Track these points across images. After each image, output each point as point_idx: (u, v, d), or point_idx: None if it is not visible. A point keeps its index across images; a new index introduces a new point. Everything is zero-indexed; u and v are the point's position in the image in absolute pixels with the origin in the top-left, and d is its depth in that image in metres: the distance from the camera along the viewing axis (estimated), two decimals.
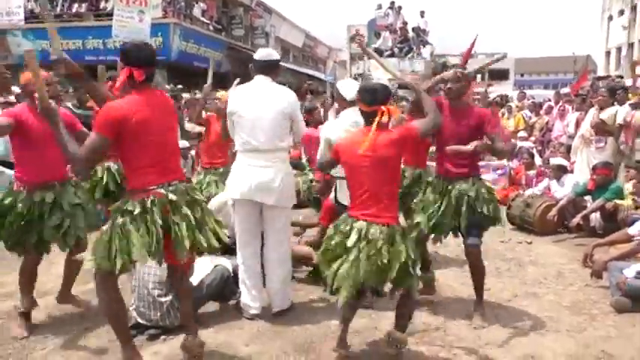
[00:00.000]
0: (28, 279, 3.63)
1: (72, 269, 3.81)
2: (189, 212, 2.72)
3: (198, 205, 2.84)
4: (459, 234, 3.82)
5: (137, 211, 2.63)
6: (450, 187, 3.65)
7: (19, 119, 3.40)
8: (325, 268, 3.07)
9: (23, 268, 3.61)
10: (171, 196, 2.70)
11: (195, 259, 3.24)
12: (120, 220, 2.66)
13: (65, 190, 3.53)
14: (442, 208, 3.65)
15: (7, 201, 3.43)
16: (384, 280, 2.95)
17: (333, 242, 3.01)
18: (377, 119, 2.97)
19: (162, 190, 2.70)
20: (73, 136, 2.97)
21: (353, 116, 3.74)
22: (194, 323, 3.11)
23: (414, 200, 3.91)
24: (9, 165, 6.53)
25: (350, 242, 2.91)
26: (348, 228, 2.98)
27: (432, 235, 3.91)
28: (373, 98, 3.01)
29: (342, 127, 3.79)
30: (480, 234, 3.73)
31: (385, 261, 2.84)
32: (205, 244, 2.78)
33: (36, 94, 2.89)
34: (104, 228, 2.73)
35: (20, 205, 3.38)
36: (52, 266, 4.40)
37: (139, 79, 2.72)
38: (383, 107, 2.99)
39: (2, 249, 3.64)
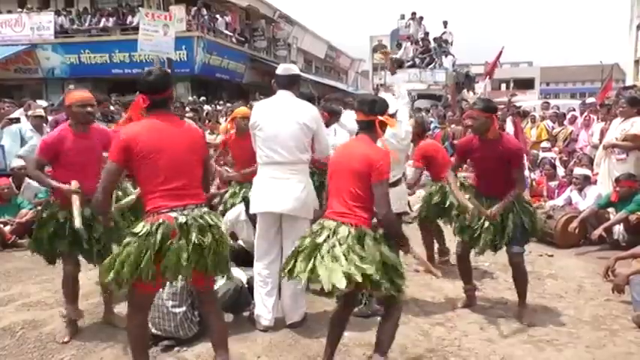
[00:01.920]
0: (72, 288, 3.71)
1: (106, 292, 3.87)
2: (195, 238, 2.69)
3: (212, 230, 2.79)
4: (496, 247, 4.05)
5: (142, 232, 2.66)
6: (491, 204, 3.90)
7: (59, 142, 3.54)
8: (288, 264, 3.03)
9: (66, 278, 3.69)
10: (182, 219, 2.69)
11: (214, 282, 3.20)
12: (126, 240, 2.71)
13: None
14: (487, 224, 3.92)
15: (45, 213, 3.59)
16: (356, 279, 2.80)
17: (305, 242, 3.00)
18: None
19: (174, 215, 2.70)
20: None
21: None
22: (225, 341, 3.02)
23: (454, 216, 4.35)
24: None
25: (320, 239, 2.92)
26: (318, 227, 3.01)
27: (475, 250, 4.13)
28: (371, 109, 3.08)
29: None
30: (523, 243, 4.04)
31: (356, 256, 2.79)
32: (213, 269, 2.81)
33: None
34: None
35: (60, 215, 3.53)
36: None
37: (143, 105, 2.79)
38: (380, 117, 3.06)
39: (27, 259, 3.74)
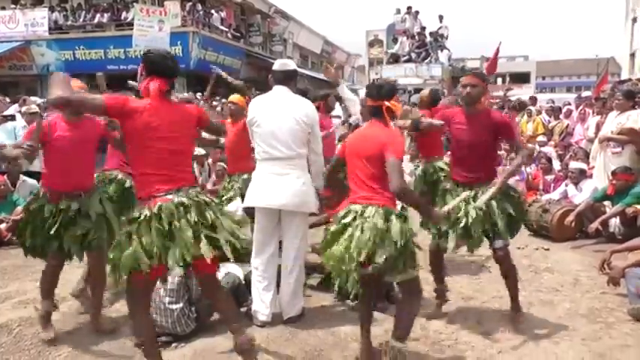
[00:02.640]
0: (49, 284, 3.69)
1: (96, 288, 3.81)
2: (195, 217, 2.68)
3: (210, 208, 2.77)
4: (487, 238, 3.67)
5: (142, 217, 2.64)
6: (472, 192, 3.57)
7: (51, 131, 3.49)
8: (324, 251, 3.09)
9: (45, 273, 3.68)
10: (180, 199, 2.68)
11: (217, 268, 3.14)
12: (127, 228, 2.69)
13: (90, 200, 3.58)
14: (473, 215, 3.50)
15: (34, 206, 3.54)
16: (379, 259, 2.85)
17: (331, 229, 3.08)
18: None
19: (169, 196, 2.70)
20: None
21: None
22: (239, 322, 3.02)
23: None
24: (30, 174, 6.70)
25: (346, 220, 2.98)
26: (344, 212, 3.05)
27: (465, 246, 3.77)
28: (378, 93, 3.10)
29: None
30: (507, 235, 3.62)
31: (379, 234, 2.84)
32: (225, 246, 2.73)
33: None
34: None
35: (46, 210, 3.47)
36: (70, 273, 4.47)
37: (163, 88, 2.74)
38: (387, 102, 3.09)
39: (24, 257, 3.72)
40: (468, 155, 3.64)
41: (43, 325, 3.66)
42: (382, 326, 3.72)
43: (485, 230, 3.56)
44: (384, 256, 2.82)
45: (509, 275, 3.75)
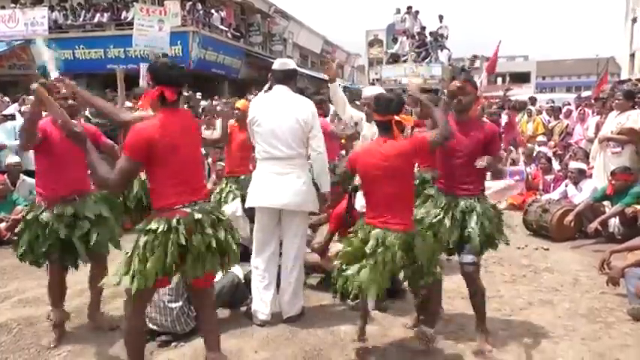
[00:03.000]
0: (58, 292, 3.64)
1: (96, 289, 3.77)
2: (211, 232, 2.69)
3: (222, 225, 2.79)
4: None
5: (161, 229, 2.61)
6: (454, 204, 3.40)
7: (44, 134, 3.42)
8: (339, 272, 3.15)
9: (52, 282, 3.61)
10: (197, 215, 2.67)
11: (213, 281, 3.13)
12: (143, 239, 2.65)
13: (85, 204, 3.53)
14: (447, 224, 3.35)
15: (30, 216, 3.48)
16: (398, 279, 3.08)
17: (352, 247, 3.14)
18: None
19: (187, 210, 2.68)
20: (98, 150, 3.08)
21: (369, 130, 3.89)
22: (217, 340, 2.99)
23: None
24: (30, 173, 6.70)
25: (368, 248, 3.03)
26: (363, 235, 3.11)
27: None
28: (387, 108, 3.13)
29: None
30: (479, 252, 3.37)
31: (399, 267, 3.03)
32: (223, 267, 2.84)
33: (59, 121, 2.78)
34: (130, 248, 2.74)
35: (43, 217, 3.41)
36: (69, 274, 4.47)
37: (171, 98, 2.69)
38: (396, 117, 3.12)
39: None
40: (456, 164, 3.42)
41: (54, 335, 3.60)
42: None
43: (458, 241, 3.37)
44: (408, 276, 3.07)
45: (475, 296, 3.43)
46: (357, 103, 5.91)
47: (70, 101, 3.51)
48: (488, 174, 3.63)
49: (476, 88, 3.57)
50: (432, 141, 3.18)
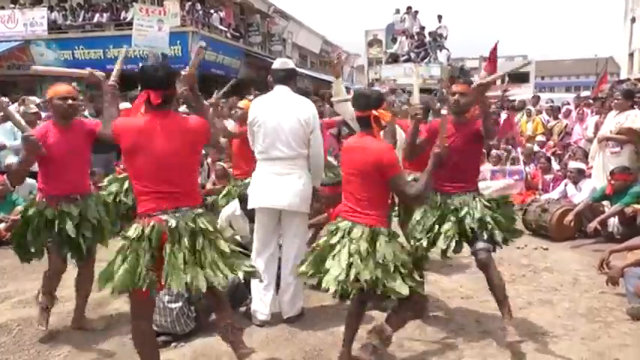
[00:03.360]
0: (53, 283, 3.67)
1: (83, 292, 3.80)
2: (187, 243, 2.61)
3: (204, 235, 2.69)
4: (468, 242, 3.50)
5: (134, 236, 2.60)
6: (448, 201, 3.49)
7: (43, 139, 3.43)
8: (313, 268, 3.08)
9: (50, 277, 3.64)
10: (172, 223, 2.60)
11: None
12: (120, 244, 2.66)
13: (87, 204, 3.57)
14: (441, 223, 3.44)
15: (31, 211, 3.50)
16: (367, 281, 2.83)
17: (321, 241, 3.10)
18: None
19: (164, 217, 2.62)
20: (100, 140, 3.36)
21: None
22: (239, 337, 2.94)
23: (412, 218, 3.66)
24: (29, 174, 6.69)
25: (334, 240, 2.98)
26: (334, 227, 3.06)
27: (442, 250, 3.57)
28: (366, 103, 3.05)
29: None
30: (492, 240, 3.42)
31: (362, 260, 2.84)
32: (196, 285, 2.59)
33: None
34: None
35: (47, 213, 3.43)
36: (68, 273, 4.48)
37: (155, 101, 2.64)
38: (375, 112, 3.02)
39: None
40: (452, 164, 3.37)
41: (42, 319, 3.64)
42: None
43: (466, 233, 3.42)
44: (367, 277, 2.81)
45: (493, 282, 3.43)
46: None
47: (70, 101, 3.51)
48: (488, 174, 3.66)
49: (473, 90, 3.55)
50: (406, 188, 2.99)
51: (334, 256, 2.93)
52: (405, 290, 2.85)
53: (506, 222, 3.50)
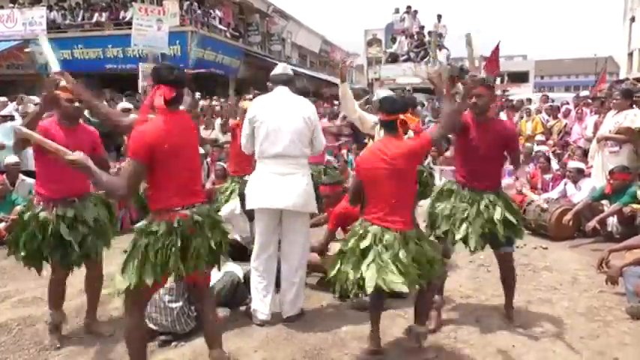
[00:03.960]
0: (58, 293, 3.62)
1: (93, 293, 3.79)
2: (209, 234, 2.76)
3: (218, 227, 2.86)
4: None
5: (162, 231, 2.63)
6: (478, 198, 3.59)
7: (45, 135, 3.32)
8: (333, 268, 3.14)
9: (52, 284, 3.60)
10: (196, 217, 2.72)
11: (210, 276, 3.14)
12: (144, 241, 2.65)
13: (85, 206, 3.54)
14: (472, 218, 3.55)
15: (27, 215, 3.45)
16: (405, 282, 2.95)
17: (349, 244, 3.13)
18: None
19: (187, 212, 2.71)
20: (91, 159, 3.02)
21: None
22: (219, 337, 3.01)
23: (438, 209, 3.74)
24: (28, 174, 6.70)
25: (364, 244, 3.03)
26: (362, 231, 3.10)
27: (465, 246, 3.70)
28: (393, 108, 3.17)
29: None
30: (512, 241, 3.72)
31: (404, 264, 2.94)
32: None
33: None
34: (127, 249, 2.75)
35: (41, 216, 3.39)
36: (69, 276, 4.48)
37: (169, 96, 2.70)
38: (402, 116, 3.15)
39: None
40: (476, 161, 3.63)
41: (53, 339, 3.59)
42: (381, 324, 3.73)
43: (486, 234, 3.55)
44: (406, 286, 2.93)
45: (510, 276, 3.85)
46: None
47: (77, 104, 3.52)
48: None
49: (489, 88, 3.67)
50: (435, 137, 3.23)
51: (369, 263, 2.98)
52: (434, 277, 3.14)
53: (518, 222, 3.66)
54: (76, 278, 4.09)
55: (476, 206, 3.56)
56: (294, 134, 3.72)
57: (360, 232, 3.11)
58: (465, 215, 3.57)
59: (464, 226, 3.55)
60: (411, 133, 3.49)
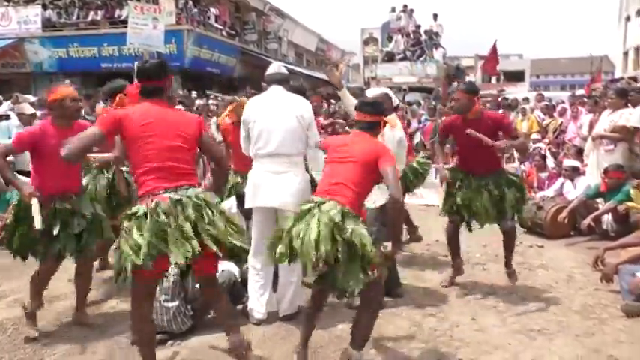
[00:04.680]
0: (40, 286, 3.67)
1: (82, 285, 3.82)
2: (192, 214, 2.65)
3: (209, 207, 2.75)
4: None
5: (140, 212, 2.64)
6: (484, 182, 4.20)
7: (38, 137, 3.47)
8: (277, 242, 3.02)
9: (37, 276, 3.64)
10: (176, 197, 2.67)
11: (216, 268, 3.06)
12: (126, 224, 2.67)
13: (82, 201, 3.60)
14: (483, 199, 4.18)
15: (22, 212, 3.49)
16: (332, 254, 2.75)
17: (289, 221, 3.02)
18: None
19: (167, 195, 2.69)
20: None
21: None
22: (234, 321, 2.99)
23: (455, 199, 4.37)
24: (25, 174, 6.67)
25: (304, 207, 2.95)
26: (305, 204, 3.01)
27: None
28: (373, 110, 3.20)
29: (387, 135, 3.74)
30: (513, 217, 4.42)
31: (334, 230, 2.75)
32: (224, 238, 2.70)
33: None
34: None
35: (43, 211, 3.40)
36: (63, 271, 4.47)
37: (149, 90, 2.84)
38: (383, 117, 3.18)
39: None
40: (474, 155, 4.21)
41: (30, 324, 3.65)
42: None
43: (493, 212, 4.22)
44: (331, 249, 2.73)
45: (511, 242, 4.48)
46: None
47: (79, 103, 3.62)
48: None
49: (468, 92, 4.21)
50: (392, 187, 2.92)
51: (303, 227, 2.84)
52: (360, 284, 2.78)
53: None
54: (70, 275, 4.09)
55: (484, 190, 4.18)
56: (287, 133, 3.73)
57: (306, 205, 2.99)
58: (479, 201, 4.19)
59: (479, 208, 4.20)
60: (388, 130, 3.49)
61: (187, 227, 2.61)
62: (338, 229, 2.77)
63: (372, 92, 4.59)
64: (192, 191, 2.77)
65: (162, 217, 2.62)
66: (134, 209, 2.70)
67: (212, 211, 2.75)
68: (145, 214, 2.63)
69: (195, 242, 2.60)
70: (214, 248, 2.66)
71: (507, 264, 4.54)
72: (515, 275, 4.51)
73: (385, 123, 3.19)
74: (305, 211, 2.93)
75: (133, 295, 2.81)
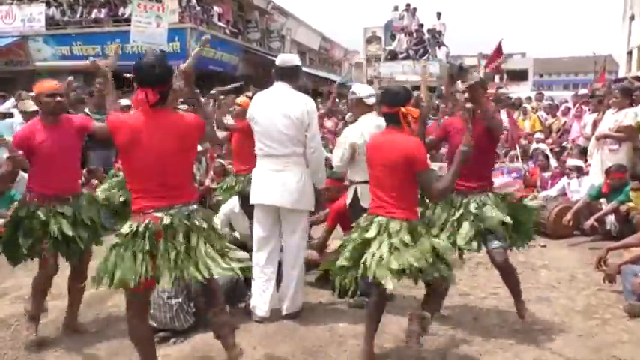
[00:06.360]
0: (42, 289, 3.59)
1: (76, 292, 3.72)
2: (182, 240, 2.60)
3: (200, 232, 2.68)
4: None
5: (126, 232, 2.59)
6: (465, 201, 3.55)
7: (30, 137, 3.39)
8: (333, 264, 3.09)
9: (40, 279, 3.56)
10: (167, 221, 2.59)
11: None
12: (114, 241, 2.64)
13: (80, 204, 3.53)
14: (460, 222, 3.52)
15: (22, 212, 3.43)
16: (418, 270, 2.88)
17: (352, 236, 3.08)
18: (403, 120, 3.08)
19: (159, 214, 2.61)
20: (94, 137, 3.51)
21: (375, 120, 3.89)
22: (231, 334, 2.93)
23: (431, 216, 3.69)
24: (25, 170, 6.69)
25: (370, 234, 2.97)
26: (367, 223, 3.05)
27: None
28: (395, 99, 3.09)
29: (366, 130, 3.81)
30: (503, 237, 3.53)
31: (413, 251, 2.86)
32: (193, 275, 2.59)
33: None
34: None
35: (40, 214, 3.36)
36: (66, 269, 4.48)
37: (153, 100, 2.61)
38: (403, 108, 3.06)
39: None
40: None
41: (31, 327, 3.54)
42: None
43: (481, 233, 3.50)
44: (418, 264, 2.84)
45: (508, 278, 3.66)
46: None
47: (58, 98, 3.43)
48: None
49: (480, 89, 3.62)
50: (432, 184, 3.07)
51: (374, 250, 2.91)
52: (447, 273, 2.97)
53: (524, 223, 3.65)
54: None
55: (465, 211, 3.52)
56: (282, 135, 3.74)
57: (365, 224, 3.05)
58: (453, 219, 3.54)
59: (452, 228, 3.53)
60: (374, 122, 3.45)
61: (173, 257, 2.56)
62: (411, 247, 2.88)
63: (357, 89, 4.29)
64: (185, 210, 2.68)
65: (151, 240, 2.56)
66: (125, 228, 2.62)
67: (201, 236, 2.67)
68: (134, 234, 2.58)
69: (182, 270, 2.57)
70: (199, 278, 2.59)
71: (514, 298, 3.73)
72: (525, 308, 3.71)
73: (404, 114, 3.04)
74: (372, 237, 2.96)
75: (128, 303, 2.77)
